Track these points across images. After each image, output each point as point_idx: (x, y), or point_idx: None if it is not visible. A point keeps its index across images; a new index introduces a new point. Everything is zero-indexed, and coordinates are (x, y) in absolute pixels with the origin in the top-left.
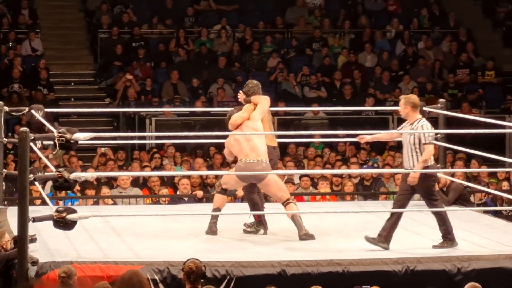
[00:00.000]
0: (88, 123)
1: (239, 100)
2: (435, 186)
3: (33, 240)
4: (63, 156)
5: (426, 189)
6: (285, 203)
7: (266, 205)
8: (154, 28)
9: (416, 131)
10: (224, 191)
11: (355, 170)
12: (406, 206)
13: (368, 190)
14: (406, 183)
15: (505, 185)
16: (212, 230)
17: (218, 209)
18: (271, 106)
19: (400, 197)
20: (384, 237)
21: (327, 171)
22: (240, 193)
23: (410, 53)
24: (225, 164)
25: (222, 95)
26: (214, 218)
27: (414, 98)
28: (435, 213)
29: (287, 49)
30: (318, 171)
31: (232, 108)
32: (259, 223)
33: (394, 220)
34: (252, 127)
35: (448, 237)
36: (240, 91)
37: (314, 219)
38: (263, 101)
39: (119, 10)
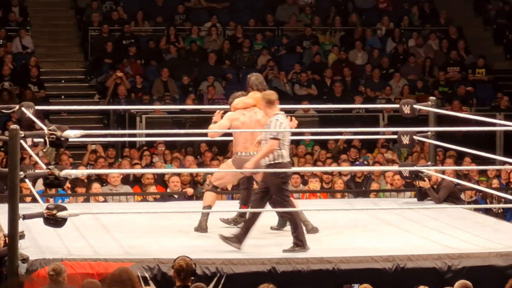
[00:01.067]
0: (78, 120)
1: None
2: (287, 185)
3: (22, 236)
4: (55, 154)
5: (275, 187)
6: None
7: None
8: (141, 25)
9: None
10: (214, 188)
11: (345, 168)
12: (264, 205)
13: (359, 187)
14: (262, 182)
15: (494, 182)
16: (202, 227)
17: (209, 207)
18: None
19: (256, 196)
20: (238, 237)
21: (318, 169)
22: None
23: (401, 51)
24: (215, 160)
25: (212, 93)
26: (205, 216)
27: (269, 94)
28: (287, 214)
29: (277, 46)
30: (309, 168)
31: (239, 92)
32: (241, 216)
33: (252, 221)
34: (259, 120)
35: (298, 242)
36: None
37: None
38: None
39: (110, 7)
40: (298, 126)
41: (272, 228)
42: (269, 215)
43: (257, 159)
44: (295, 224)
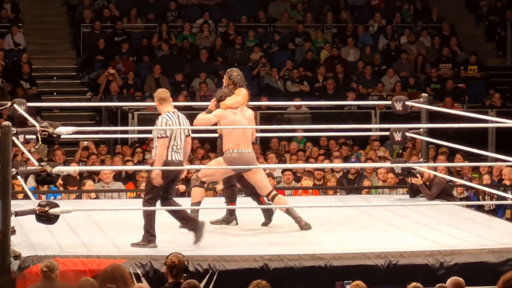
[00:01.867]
0: (70, 117)
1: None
2: (167, 185)
3: (13, 232)
4: (48, 151)
5: (150, 184)
6: (272, 195)
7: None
8: (133, 22)
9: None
10: (202, 184)
11: (337, 165)
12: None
13: (351, 184)
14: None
15: (485, 178)
16: None
17: (198, 203)
18: (254, 100)
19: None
20: (148, 240)
21: (311, 165)
22: (220, 187)
23: (393, 48)
24: (206, 157)
25: (204, 90)
26: (196, 212)
27: (161, 91)
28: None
29: (269, 43)
30: (302, 165)
31: (224, 89)
32: (231, 215)
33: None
34: (248, 116)
35: (147, 235)
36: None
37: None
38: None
39: (102, 4)
40: (290, 123)
41: (263, 224)
42: (259, 212)
43: (157, 162)
44: (149, 220)
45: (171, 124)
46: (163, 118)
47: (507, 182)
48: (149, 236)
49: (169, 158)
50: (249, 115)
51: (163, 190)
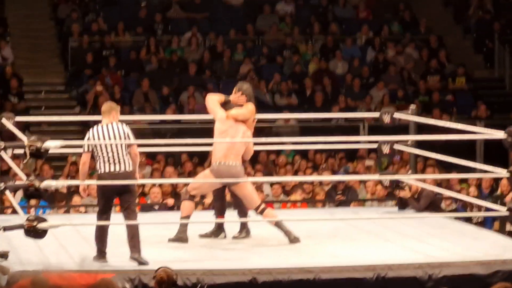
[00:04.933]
0: (59, 132)
1: (243, 96)
2: (104, 197)
3: (5, 256)
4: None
5: (113, 196)
6: (261, 210)
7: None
8: (121, 35)
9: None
10: (192, 198)
11: (326, 177)
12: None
13: (341, 201)
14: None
15: (471, 191)
16: (182, 238)
17: (188, 217)
18: None
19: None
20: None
21: (299, 178)
22: (208, 200)
23: (381, 60)
24: (193, 174)
25: (193, 103)
26: (184, 226)
27: (103, 106)
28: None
29: (258, 56)
30: (290, 178)
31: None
32: (220, 228)
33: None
34: (245, 133)
35: (101, 253)
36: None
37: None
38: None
39: (90, 18)
40: (278, 136)
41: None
42: (252, 225)
43: (80, 179)
44: (100, 236)
45: (91, 138)
46: (87, 133)
47: (504, 192)
48: (100, 251)
49: (102, 171)
50: (249, 134)
51: (121, 203)
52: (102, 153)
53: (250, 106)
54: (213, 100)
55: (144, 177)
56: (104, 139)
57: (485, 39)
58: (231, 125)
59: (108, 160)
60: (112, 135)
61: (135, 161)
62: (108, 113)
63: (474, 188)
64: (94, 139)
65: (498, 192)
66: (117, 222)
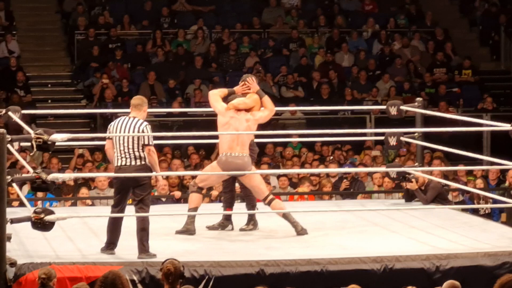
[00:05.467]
0: (65, 124)
1: (249, 86)
2: (117, 190)
3: (8, 238)
4: (46, 158)
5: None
6: (269, 200)
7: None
8: (127, 29)
9: None
10: (200, 190)
11: (333, 170)
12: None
13: (347, 189)
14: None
15: (478, 182)
16: (190, 229)
17: (195, 209)
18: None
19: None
20: (107, 245)
21: (306, 170)
22: (215, 193)
23: (387, 53)
24: (200, 166)
25: (199, 96)
26: (192, 218)
27: (134, 99)
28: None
29: (264, 49)
30: (296, 170)
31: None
32: (227, 220)
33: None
34: (250, 125)
35: (110, 245)
36: (253, 78)
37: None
38: (271, 111)
39: (97, 12)
40: (285, 128)
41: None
42: (259, 217)
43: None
44: (111, 229)
45: (109, 128)
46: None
47: None
48: (108, 243)
49: (115, 164)
50: (253, 125)
51: (134, 196)
52: (116, 146)
53: (255, 96)
54: (213, 95)
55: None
56: (117, 132)
57: (491, 31)
58: (231, 115)
59: (120, 154)
60: (123, 129)
61: (150, 161)
62: (135, 107)
63: (481, 180)
64: (113, 129)
65: (506, 184)
66: (126, 214)
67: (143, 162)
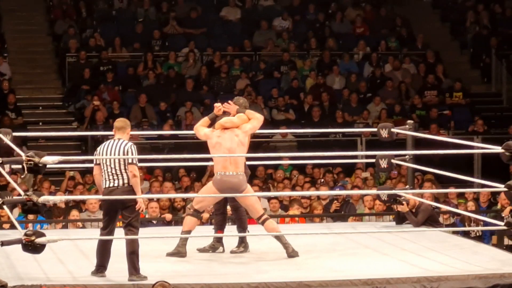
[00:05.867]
0: (56, 147)
1: (227, 109)
2: (106, 212)
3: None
4: (38, 180)
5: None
6: (263, 220)
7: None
8: (118, 51)
9: None
10: (196, 213)
11: (324, 192)
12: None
13: (338, 212)
14: None
15: (470, 205)
16: (181, 252)
17: (188, 232)
18: None
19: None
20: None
21: (297, 193)
22: (206, 215)
23: (378, 75)
24: (191, 189)
25: (190, 118)
26: (184, 240)
27: (117, 121)
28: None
29: (255, 72)
30: (288, 193)
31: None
32: (218, 241)
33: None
34: (241, 140)
35: (100, 268)
36: (230, 102)
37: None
38: (259, 120)
39: (88, 34)
40: (276, 151)
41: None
42: (250, 239)
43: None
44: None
45: (97, 151)
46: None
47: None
48: (98, 265)
49: (103, 186)
50: (240, 139)
51: (122, 218)
52: (103, 169)
53: (243, 116)
54: (196, 127)
55: (142, 192)
56: (105, 155)
57: (482, 54)
58: (218, 135)
59: (108, 176)
60: (110, 152)
61: (133, 182)
62: (118, 129)
63: (472, 203)
64: (100, 153)
65: (498, 206)
66: (116, 237)
67: (130, 184)
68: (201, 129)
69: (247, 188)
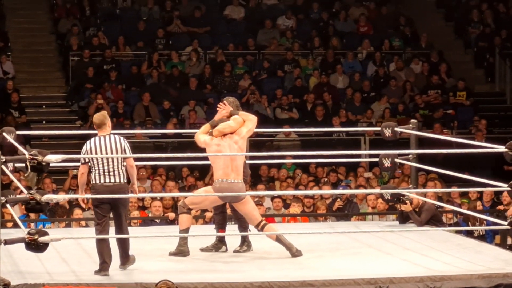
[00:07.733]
0: (60, 145)
1: (223, 112)
2: (99, 208)
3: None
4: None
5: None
6: (261, 226)
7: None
8: (122, 50)
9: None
10: (189, 211)
11: (327, 191)
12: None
13: (341, 211)
14: None
15: (479, 204)
16: (183, 251)
17: (187, 230)
18: None
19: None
20: (101, 265)
21: (300, 192)
22: (210, 214)
23: (382, 74)
24: (194, 187)
25: (193, 117)
26: (185, 239)
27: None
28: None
29: (258, 70)
30: (291, 192)
31: (232, 98)
32: (221, 241)
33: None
34: (240, 146)
35: (103, 264)
36: (224, 101)
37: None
38: (253, 121)
39: (91, 33)
40: (279, 150)
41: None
42: (253, 239)
43: (78, 190)
44: (100, 248)
45: (88, 150)
46: (84, 145)
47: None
48: (101, 263)
49: (96, 181)
50: (242, 145)
51: (114, 215)
52: (98, 166)
53: (238, 118)
54: (197, 135)
55: (145, 191)
56: (101, 152)
57: (486, 53)
58: (217, 143)
59: (104, 173)
60: (108, 148)
61: (131, 173)
62: (102, 126)
63: (479, 203)
64: (91, 151)
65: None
66: (114, 236)
67: (125, 180)
68: (201, 136)
69: (246, 197)
